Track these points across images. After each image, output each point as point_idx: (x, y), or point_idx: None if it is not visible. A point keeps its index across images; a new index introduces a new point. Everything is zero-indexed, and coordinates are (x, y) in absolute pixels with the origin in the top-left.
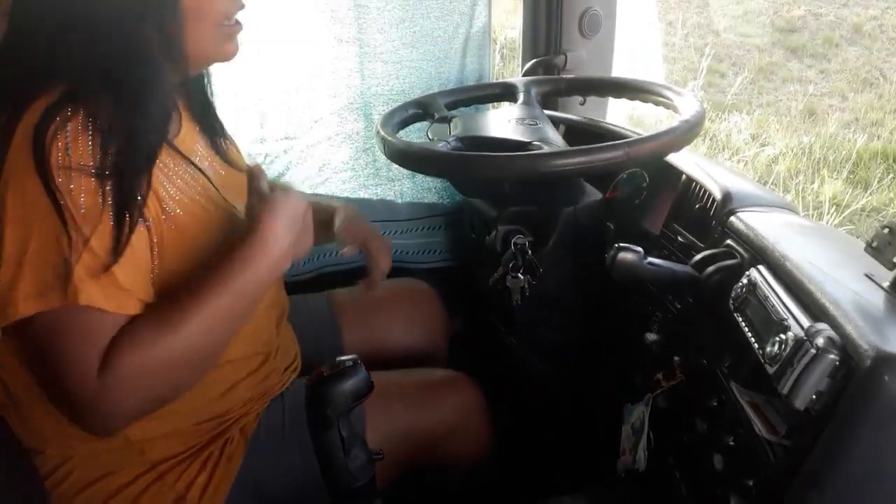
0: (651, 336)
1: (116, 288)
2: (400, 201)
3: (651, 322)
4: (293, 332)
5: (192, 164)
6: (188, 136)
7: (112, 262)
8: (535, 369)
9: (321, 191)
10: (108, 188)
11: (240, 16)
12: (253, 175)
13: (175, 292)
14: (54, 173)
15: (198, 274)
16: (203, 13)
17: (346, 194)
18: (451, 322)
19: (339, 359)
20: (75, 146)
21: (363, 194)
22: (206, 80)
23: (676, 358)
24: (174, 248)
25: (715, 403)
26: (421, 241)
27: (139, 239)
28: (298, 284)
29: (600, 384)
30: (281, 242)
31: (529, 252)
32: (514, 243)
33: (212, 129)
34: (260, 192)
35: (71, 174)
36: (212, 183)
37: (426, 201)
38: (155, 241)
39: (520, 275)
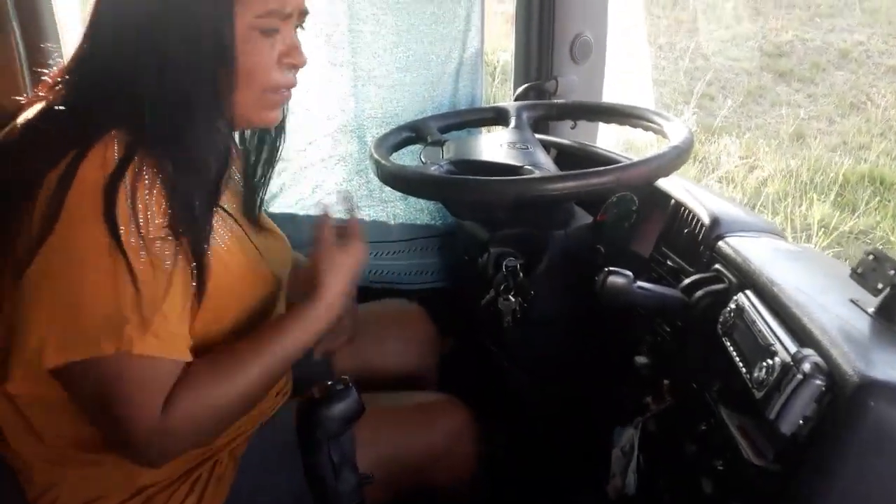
0: (641, 359)
1: (169, 334)
2: (393, 223)
3: (641, 345)
4: None
5: (230, 215)
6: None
7: (166, 310)
8: (525, 391)
9: (314, 212)
10: (169, 241)
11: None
12: (322, 224)
13: (233, 342)
14: (120, 224)
15: (258, 326)
16: (254, 80)
17: (338, 215)
18: (442, 343)
19: (330, 382)
20: (141, 198)
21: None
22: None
23: (666, 381)
24: (211, 295)
25: (704, 427)
26: (413, 263)
27: (186, 286)
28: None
29: (590, 407)
30: (340, 300)
31: (521, 274)
32: (506, 265)
33: (252, 190)
34: (325, 245)
35: (136, 225)
36: (245, 232)
37: (419, 223)
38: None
39: (511, 297)
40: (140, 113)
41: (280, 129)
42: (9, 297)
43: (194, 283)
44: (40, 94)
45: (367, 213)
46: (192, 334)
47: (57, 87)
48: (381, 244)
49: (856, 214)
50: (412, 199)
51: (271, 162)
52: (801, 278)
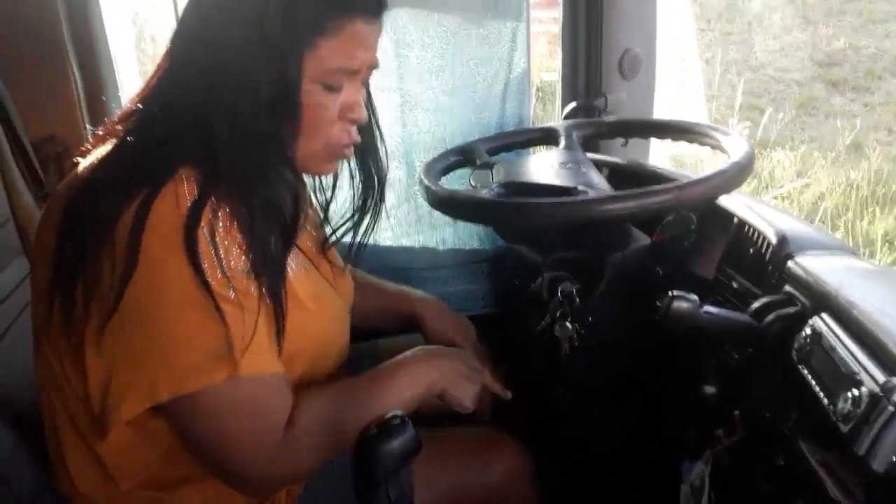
0: (709, 388)
1: (267, 353)
2: (442, 248)
3: (707, 373)
4: None
5: (302, 251)
6: None
7: (258, 340)
8: (584, 423)
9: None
10: (251, 280)
11: None
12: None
13: (358, 379)
14: (203, 262)
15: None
16: (316, 132)
17: (388, 242)
18: (495, 373)
19: (386, 415)
20: (221, 237)
21: (405, 242)
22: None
23: (737, 412)
24: (289, 333)
25: (781, 462)
26: (463, 289)
27: (269, 324)
28: None
29: (655, 440)
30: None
31: (577, 299)
32: (562, 290)
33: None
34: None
35: (219, 263)
36: (317, 267)
37: (468, 248)
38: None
39: (568, 323)
40: (211, 155)
41: (376, 176)
42: (93, 343)
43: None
44: (109, 129)
45: (415, 239)
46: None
47: (126, 124)
48: (430, 270)
49: None
50: (461, 224)
51: (365, 206)
52: (882, 299)
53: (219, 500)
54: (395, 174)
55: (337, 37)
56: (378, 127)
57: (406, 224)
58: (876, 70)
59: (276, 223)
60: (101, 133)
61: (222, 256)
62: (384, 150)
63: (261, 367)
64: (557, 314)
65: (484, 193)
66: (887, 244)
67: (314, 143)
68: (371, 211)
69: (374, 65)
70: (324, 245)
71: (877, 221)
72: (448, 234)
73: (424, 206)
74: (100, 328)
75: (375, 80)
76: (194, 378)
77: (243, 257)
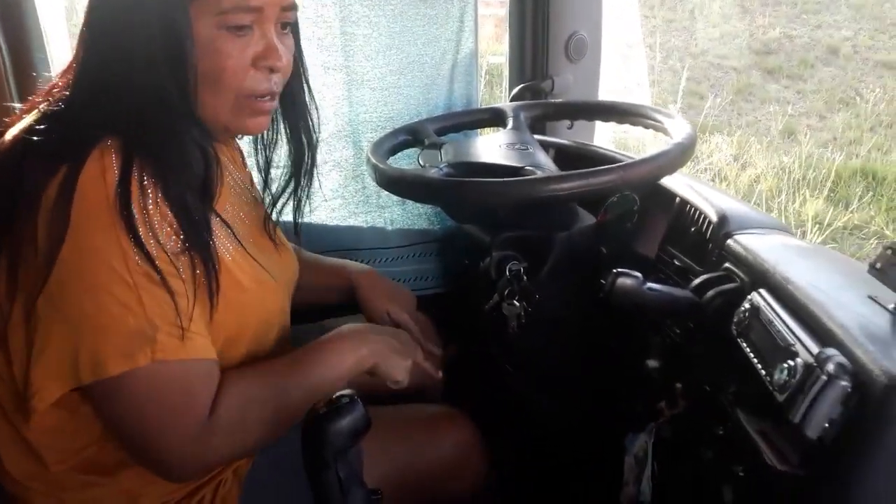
0: (651, 363)
1: (200, 337)
2: (390, 228)
3: (650, 348)
4: None
5: (227, 225)
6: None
7: (190, 313)
8: (532, 399)
9: (310, 219)
10: (181, 249)
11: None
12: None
13: (283, 360)
14: (140, 233)
15: (304, 349)
16: (224, 83)
17: (335, 222)
18: (445, 351)
19: (334, 395)
20: (152, 208)
21: (353, 222)
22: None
23: (679, 385)
24: (227, 309)
25: (721, 432)
26: (412, 269)
27: (202, 293)
28: (292, 314)
29: (600, 413)
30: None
31: (525, 278)
32: (510, 269)
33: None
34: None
35: (153, 235)
36: (247, 243)
37: (417, 228)
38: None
39: (515, 301)
40: (126, 119)
41: (305, 140)
42: (19, 324)
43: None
44: (36, 100)
45: (363, 220)
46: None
47: (50, 97)
48: (379, 251)
49: (850, 210)
50: (409, 204)
51: (300, 173)
52: (816, 276)
53: (157, 483)
54: (343, 154)
55: None
56: (308, 86)
57: (354, 204)
58: (809, 59)
59: (189, 183)
60: (26, 106)
61: (157, 230)
62: (316, 112)
63: (188, 352)
64: (506, 293)
65: (433, 173)
66: (817, 225)
67: (223, 94)
68: (305, 178)
69: (287, 5)
70: (266, 223)
71: (808, 204)
72: (396, 215)
73: (372, 185)
74: (24, 308)
75: (321, 58)
76: (117, 361)
77: (173, 236)
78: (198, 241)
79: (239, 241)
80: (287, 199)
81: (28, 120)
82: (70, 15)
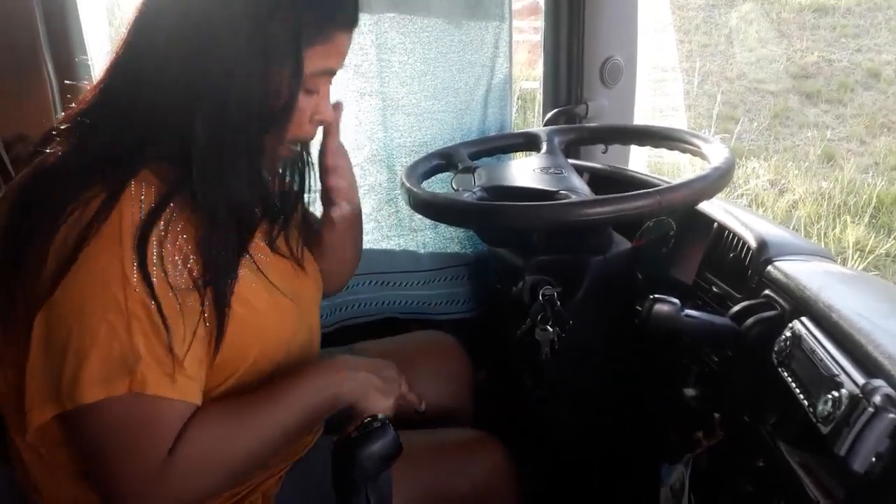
0: (689, 391)
1: (184, 377)
2: (423, 251)
3: (688, 376)
4: None
5: (249, 255)
6: None
7: (182, 354)
8: (565, 427)
9: None
10: (192, 291)
11: None
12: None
13: (254, 394)
14: (149, 263)
15: (280, 382)
16: (285, 132)
17: (368, 245)
18: (475, 374)
19: (366, 419)
20: (171, 246)
21: (386, 245)
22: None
23: (717, 415)
24: (230, 339)
25: (761, 464)
26: (444, 292)
27: (200, 329)
28: (321, 337)
29: (635, 443)
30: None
31: (558, 303)
32: (543, 294)
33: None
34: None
35: (163, 272)
36: (262, 272)
37: (449, 251)
38: (209, 328)
39: (549, 327)
40: (182, 157)
41: (302, 163)
42: (19, 336)
43: (214, 332)
44: (74, 113)
45: (396, 243)
46: (214, 369)
47: (88, 114)
48: (411, 274)
49: (893, 236)
50: (442, 228)
51: (300, 196)
52: (860, 303)
53: None
54: (377, 178)
55: (324, 47)
56: None
57: (387, 227)
58: (849, 83)
59: (238, 224)
60: (63, 128)
61: (168, 269)
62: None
63: (167, 390)
64: (539, 318)
65: (466, 197)
66: (858, 252)
67: (280, 140)
68: (297, 194)
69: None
70: (272, 243)
71: (848, 230)
72: (429, 238)
73: (405, 209)
74: (24, 325)
75: (358, 84)
76: (93, 387)
77: (185, 274)
78: (217, 285)
79: (260, 270)
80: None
81: (67, 143)
82: (111, 20)
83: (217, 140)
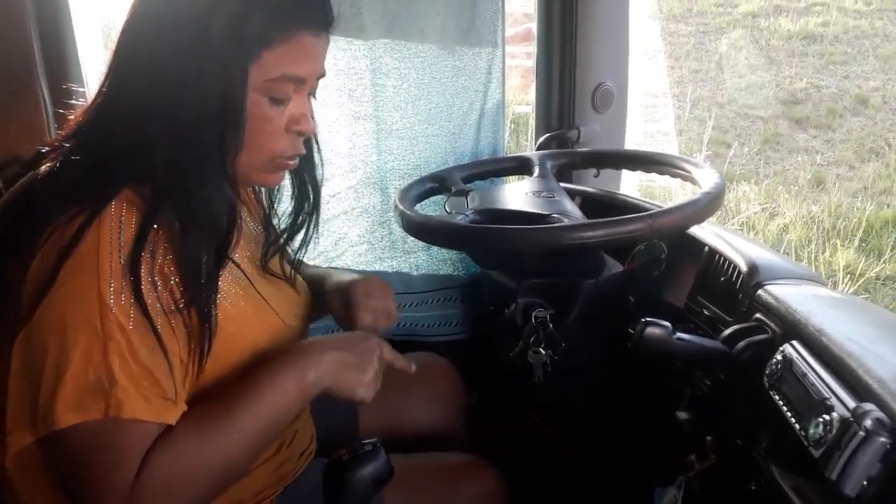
0: (681, 414)
1: (160, 399)
2: (415, 274)
3: (680, 400)
4: (309, 412)
5: (236, 264)
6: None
7: (158, 375)
8: (557, 449)
9: (337, 264)
10: (173, 311)
11: None
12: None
13: (215, 401)
14: (129, 291)
15: (240, 384)
16: (261, 145)
17: (361, 267)
18: (468, 396)
19: (358, 442)
20: (154, 266)
21: (379, 267)
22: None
23: (709, 438)
24: (215, 357)
25: (753, 487)
26: (437, 314)
27: (182, 349)
28: None
29: (628, 465)
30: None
31: (551, 325)
32: (535, 316)
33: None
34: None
35: (142, 294)
36: (251, 281)
37: (442, 273)
38: (192, 347)
39: (541, 349)
40: (153, 172)
41: (312, 194)
42: (7, 357)
43: (198, 350)
44: (61, 140)
45: (389, 265)
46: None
47: (76, 137)
48: (404, 295)
49: (882, 260)
50: (435, 250)
51: (296, 220)
52: (850, 327)
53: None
54: (370, 200)
55: (283, 48)
56: (317, 139)
57: (380, 249)
58: (837, 109)
59: (209, 239)
60: (50, 149)
61: (160, 289)
62: (321, 161)
63: (145, 412)
64: (531, 340)
65: (460, 219)
66: (849, 275)
67: (258, 155)
68: (306, 223)
69: (321, 75)
70: (262, 261)
71: (838, 253)
72: (422, 260)
73: (398, 231)
74: (9, 347)
75: (352, 108)
76: (67, 413)
77: (166, 295)
78: (200, 303)
79: (250, 281)
80: (286, 240)
81: (55, 160)
82: (107, 45)
83: (177, 147)
